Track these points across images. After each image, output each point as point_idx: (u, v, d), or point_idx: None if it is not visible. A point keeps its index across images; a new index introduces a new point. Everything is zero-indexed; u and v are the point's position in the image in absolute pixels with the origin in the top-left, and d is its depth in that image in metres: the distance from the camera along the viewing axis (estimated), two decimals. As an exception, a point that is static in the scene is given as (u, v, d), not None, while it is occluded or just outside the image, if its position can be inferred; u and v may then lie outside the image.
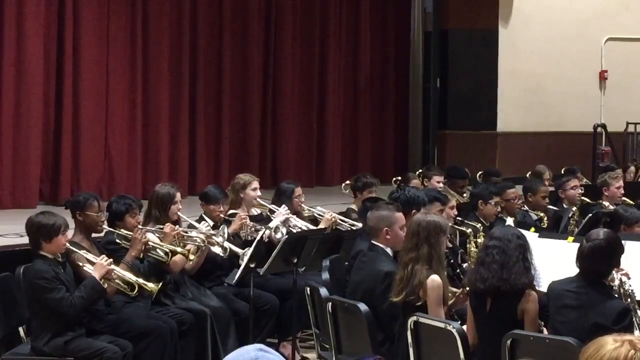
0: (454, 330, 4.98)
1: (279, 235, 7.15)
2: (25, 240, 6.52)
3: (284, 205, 7.63)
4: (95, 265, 5.93)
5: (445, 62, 14.50)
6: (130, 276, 6.04)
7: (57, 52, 10.34)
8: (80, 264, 6.04)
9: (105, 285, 5.95)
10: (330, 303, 5.73)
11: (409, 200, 6.51)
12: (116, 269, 6.01)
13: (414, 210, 6.30)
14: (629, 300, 5.07)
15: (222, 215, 7.31)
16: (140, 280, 6.04)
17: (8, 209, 9.68)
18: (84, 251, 6.08)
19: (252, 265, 6.57)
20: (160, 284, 6.22)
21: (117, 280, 6.02)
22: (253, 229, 7.18)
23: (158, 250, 6.43)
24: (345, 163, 13.78)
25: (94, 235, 6.46)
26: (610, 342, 2.70)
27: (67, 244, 5.91)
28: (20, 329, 6.13)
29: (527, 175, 10.59)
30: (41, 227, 5.83)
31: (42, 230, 5.82)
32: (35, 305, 5.89)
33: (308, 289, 6.23)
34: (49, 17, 10.22)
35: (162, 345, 6.23)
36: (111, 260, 5.99)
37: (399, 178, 9.77)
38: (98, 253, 6.20)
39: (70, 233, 6.09)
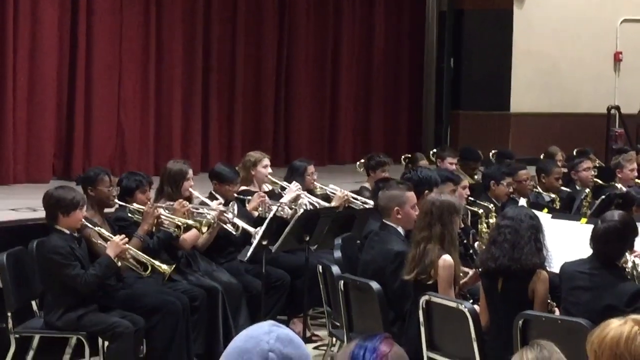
0: (465, 310, 4.99)
1: (288, 212, 7.17)
2: (39, 214, 6.55)
3: (295, 182, 7.64)
4: (110, 243, 5.94)
5: (459, 42, 14.44)
6: (144, 256, 6.05)
7: (70, 29, 10.31)
8: (94, 239, 6.06)
9: (119, 264, 5.98)
10: (342, 281, 5.74)
11: (422, 180, 6.51)
12: (131, 248, 6.02)
13: (426, 191, 6.30)
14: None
15: (234, 194, 7.31)
16: (156, 262, 6.05)
17: (22, 184, 9.71)
18: (98, 227, 6.10)
19: (265, 243, 6.58)
20: (174, 266, 6.23)
21: (130, 260, 6.04)
22: (272, 206, 7.18)
23: (170, 224, 6.44)
24: (358, 142, 13.76)
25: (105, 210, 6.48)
26: (614, 322, 2.74)
27: (83, 220, 5.93)
28: (33, 303, 6.16)
29: (541, 156, 10.56)
30: (60, 200, 5.84)
31: (61, 204, 5.83)
32: (49, 279, 5.92)
33: (320, 266, 6.24)
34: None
35: (174, 320, 6.25)
36: (127, 239, 6.00)
37: (409, 156, 9.79)
38: (109, 229, 6.22)
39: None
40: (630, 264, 5.16)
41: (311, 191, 7.90)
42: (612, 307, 4.62)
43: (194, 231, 6.63)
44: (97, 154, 10.47)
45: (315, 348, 7.07)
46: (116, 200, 6.46)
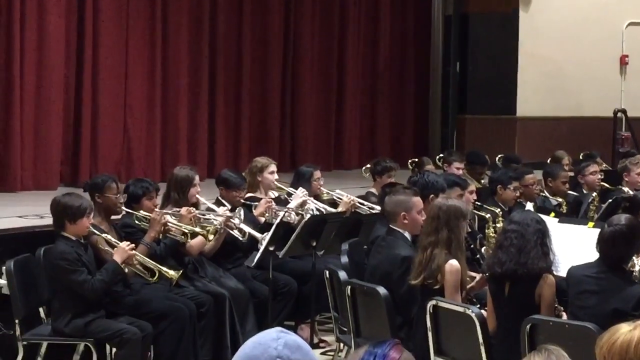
0: (473, 315, 4.99)
1: (295, 217, 7.17)
2: (46, 221, 6.55)
3: (301, 188, 7.64)
4: (116, 249, 5.96)
5: (465, 46, 14.44)
6: (151, 262, 6.06)
7: (77, 35, 10.34)
8: (101, 246, 6.07)
9: (126, 270, 5.99)
10: (349, 286, 5.74)
11: (428, 185, 6.50)
12: (138, 254, 6.03)
13: (432, 195, 6.29)
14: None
15: (240, 200, 7.32)
16: (163, 268, 6.06)
17: (29, 191, 9.72)
18: (105, 234, 6.11)
19: (272, 248, 6.58)
20: (181, 271, 6.24)
21: (137, 266, 6.04)
22: (278, 212, 7.19)
23: (176, 231, 6.45)
24: (364, 147, 13.78)
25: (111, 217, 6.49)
26: (624, 327, 2.74)
27: (90, 227, 5.94)
28: (41, 310, 6.17)
29: (548, 160, 10.55)
30: (67, 207, 5.86)
31: (67, 211, 5.84)
32: (56, 286, 5.93)
33: (327, 272, 6.24)
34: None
35: (181, 326, 6.26)
36: (133, 245, 6.01)
37: (415, 160, 9.80)
38: (116, 236, 6.24)
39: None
40: (637, 268, 5.16)
41: (318, 197, 7.91)
42: (620, 311, 4.61)
43: (200, 237, 6.64)
44: (103, 161, 10.49)
45: (322, 354, 7.08)
46: (123, 207, 6.46)
